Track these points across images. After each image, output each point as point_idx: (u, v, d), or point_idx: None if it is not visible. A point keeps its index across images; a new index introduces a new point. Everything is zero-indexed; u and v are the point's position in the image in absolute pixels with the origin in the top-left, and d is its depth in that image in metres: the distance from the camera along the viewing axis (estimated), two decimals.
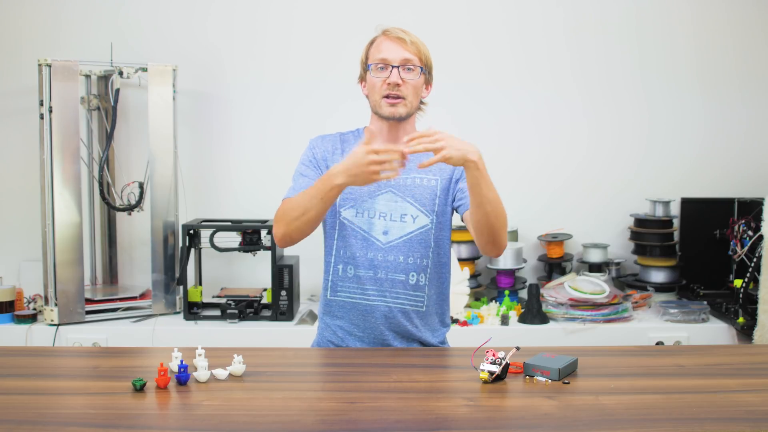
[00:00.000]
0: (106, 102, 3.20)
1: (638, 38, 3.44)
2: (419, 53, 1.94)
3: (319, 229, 1.97)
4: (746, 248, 3.01)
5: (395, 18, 3.32)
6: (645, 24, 3.44)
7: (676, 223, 3.38)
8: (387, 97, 1.92)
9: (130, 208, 3.13)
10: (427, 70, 1.98)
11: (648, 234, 3.32)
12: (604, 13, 3.43)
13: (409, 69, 1.92)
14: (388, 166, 1.71)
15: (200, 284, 3.21)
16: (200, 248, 3.19)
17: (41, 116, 2.94)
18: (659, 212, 3.33)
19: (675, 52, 3.45)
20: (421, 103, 2.03)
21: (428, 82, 2.02)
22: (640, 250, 3.37)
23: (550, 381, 1.61)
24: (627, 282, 3.40)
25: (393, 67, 1.91)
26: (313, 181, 1.88)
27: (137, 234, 3.37)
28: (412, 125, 2.03)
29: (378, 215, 1.94)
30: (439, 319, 2.02)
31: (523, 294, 3.31)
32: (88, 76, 3.21)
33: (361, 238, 1.94)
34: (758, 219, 2.93)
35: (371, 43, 1.99)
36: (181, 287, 3.10)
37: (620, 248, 3.47)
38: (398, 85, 1.91)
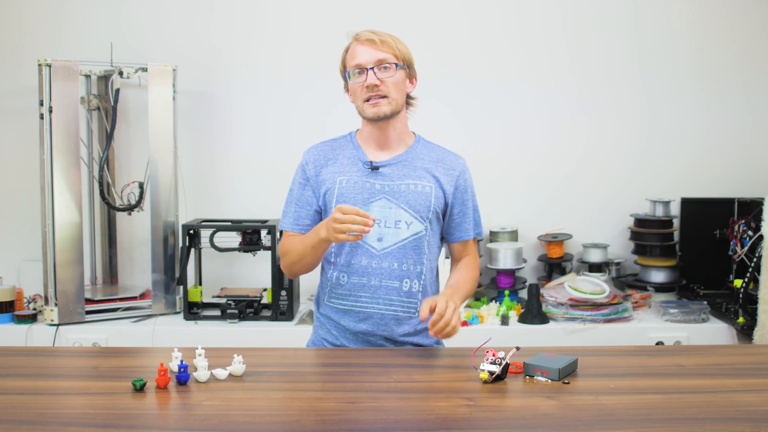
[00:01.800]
0: (106, 102, 3.20)
1: (638, 35, 3.43)
2: (392, 50, 1.92)
3: None
4: (746, 248, 3.01)
5: (395, 16, 3.35)
6: (645, 21, 3.43)
7: (676, 223, 3.38)
8: (369, 99, 1.92)
9: (130, 208, 3.13)
10: (406, 65, 1.96)
11: (648, 234, 3.32)
12: (603, 10, 3.43)
13: (384, 68, 1.91)
14: (356, 228, 1.73)
15: (200, 284, 3.21)
16: (200, 248, 3.19)
17: (41, 116, 2.94)
18: (659, 212, 3.33)
19: (675, 51, 3.44)
20: (410, 98, 2.02)
21: (411, 76, 2.00)
22: (640, 250, 3.37)
23: (550, 381, 1.61)
24: (627, 282, 3.40)
25: (368, 69, 1.90)
26: (304, 210, 1.99)
27: (137, 234, 3.37)
28: (403, 123, 2.01)
29: None
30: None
31: (523, 294, 3.31)
32: (88, 76, 3.21)
33: (356, 245, 1.93)
34: (758, 219, 2.93)
35: (346, 51, 1.98)
36: (181, 287, 3.10)
37: (620, 248, 3.47)
38: (377, 86, 1.90)
